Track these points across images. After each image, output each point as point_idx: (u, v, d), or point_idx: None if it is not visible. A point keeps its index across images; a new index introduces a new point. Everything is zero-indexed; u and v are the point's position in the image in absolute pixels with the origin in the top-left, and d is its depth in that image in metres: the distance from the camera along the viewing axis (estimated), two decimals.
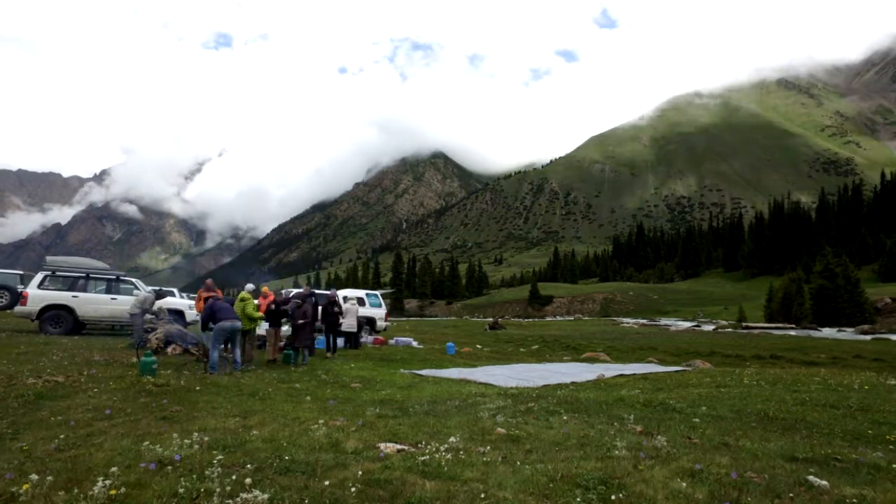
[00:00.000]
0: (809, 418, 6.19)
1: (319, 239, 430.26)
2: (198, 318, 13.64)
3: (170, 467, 3.66)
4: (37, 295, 14.40)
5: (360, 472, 3.62)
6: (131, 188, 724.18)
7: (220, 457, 3.87)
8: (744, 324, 47.27)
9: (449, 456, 4.05)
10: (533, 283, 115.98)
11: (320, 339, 14.48)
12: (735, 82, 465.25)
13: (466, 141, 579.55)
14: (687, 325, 51.98)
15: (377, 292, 22.55)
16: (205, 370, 9.05)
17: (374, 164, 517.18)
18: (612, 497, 3.23)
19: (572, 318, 77.84)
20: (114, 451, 4.09)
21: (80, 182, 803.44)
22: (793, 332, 37.40)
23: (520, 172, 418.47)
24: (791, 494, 3.37)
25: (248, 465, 3.74)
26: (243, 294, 10.53)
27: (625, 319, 66.02)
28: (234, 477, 3.40)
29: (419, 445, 4.45)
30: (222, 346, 9.74)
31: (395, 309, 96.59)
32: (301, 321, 11.50)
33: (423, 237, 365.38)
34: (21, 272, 22.74)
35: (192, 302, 16.33)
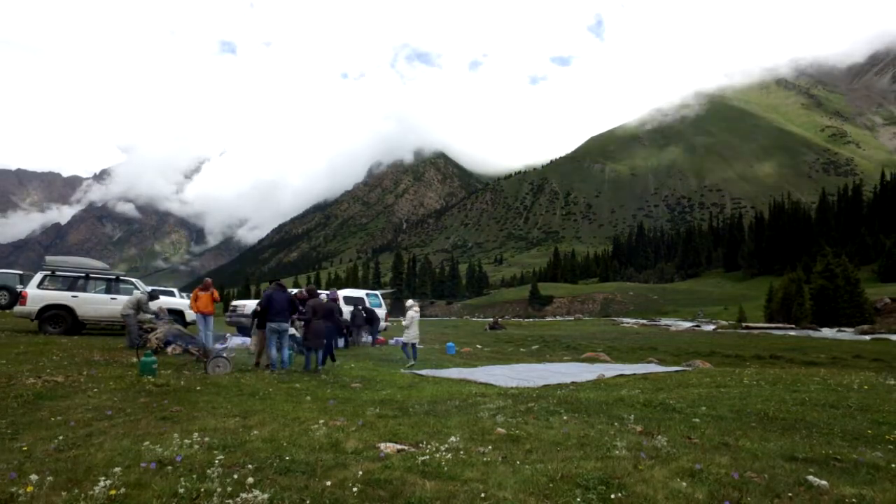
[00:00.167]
0: (809, 418, 6.19)
1: (319, 239, 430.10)
2: (197, 317, 13.66)
3: (170, 467, 3.66)
4: (36, 295, 14.39)
5: (360, 472, 3.62)
6: (131, 188, 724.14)
7: (221, 457, 3.87)
8: (744, 324, 47.29)
9: (449, 456, 4.06)
10: (533, 283, 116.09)
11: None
12: (735, 82, 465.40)
13: (466, 141, 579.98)
14: (687, 325, 52.00)
15: (377, 292, 22.58)
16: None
17: (374, 164, 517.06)
18: (612, 497, 3.23)
19: (572, 318, 77.86)
20: (114, 452, 4.09)
21: (79, 182, 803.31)
22: (792, 333, 37.42)
23: (520, 172, 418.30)
24: (791, 494, 3.38)
25: (249, 465, 3.74)
26: None
27: (625, 319, 66.04)
28: (234, 477, 3.40)
29: (419, 445, 4.45)
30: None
31: (395, 309, 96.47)
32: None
33: (424, 237, 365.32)
34: (20, 272, 22.75)
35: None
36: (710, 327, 46.43)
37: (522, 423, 5.46)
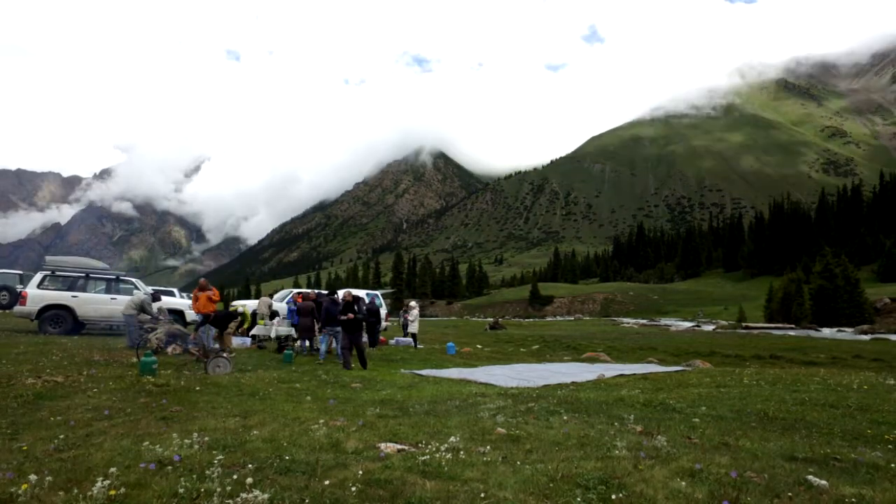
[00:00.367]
0: (809, 418, 6.20)
1: (320, 239, 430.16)
2: (197, 317, 13.68)
3: (170, 467, 3.66)
4: (36, 295, 14.40)
5: (360, 472, 3.62)
6: (131, 188, 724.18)
7: (221, 457, 3.86)
8: (743, 324, 47.31)
9: (449, 456, 4.05)
10: (533, 283, 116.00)
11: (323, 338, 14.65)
12: (735, 83, 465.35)
13: (466, 141, 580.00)
14: (687, 325, 52.01)
15: (378, 292, 22.58)
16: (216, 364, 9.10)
17: (374, 164, 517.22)
18: (612, 497, 3.23)
19: (573, 319, 77.89)
20: (113, 452, 4.08)
21: (79, 182, 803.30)
22: (792, 333, 37.44)
23: (520, 172, 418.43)
24: (790, 494, 3.38)
25: (249, 465, 3.73)
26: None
27: (625, 319, 66.05)
28: (234, 477, 3.39)
29: (419, 445, 4.45)
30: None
31: (395, 309, 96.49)
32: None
33: (424, 237, 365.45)
34: (20, 272, 22.76)
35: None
36: (710, 327, 46.44)
37: (522, 423, 5.46)
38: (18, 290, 17.70)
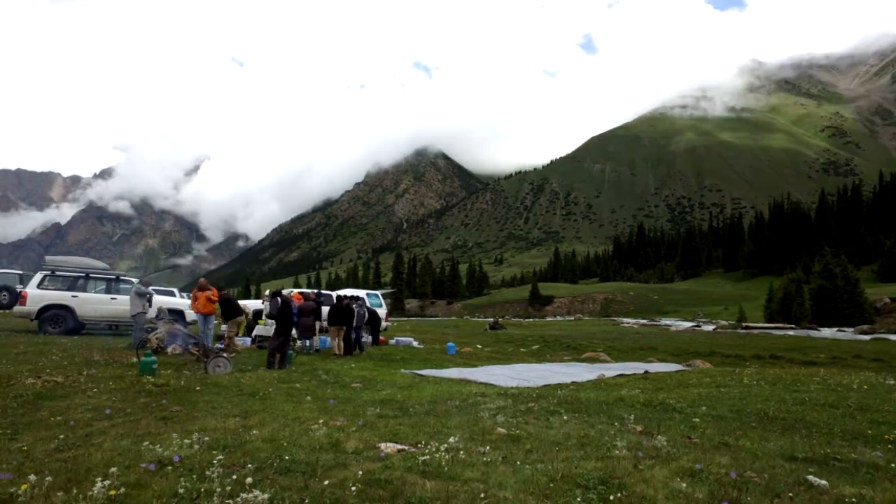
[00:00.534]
0: (809, 418, 6.20)
1: (320, 239, 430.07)
2: (198, 317, 13.69)
3: (170, 467, 3.66)
4: (36, 295, 14.39)
5: (360, 472, 3.62)
6: (131, 188, 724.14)
7: (220, 457, 3.86)
8: (743, 324, 47.28)
9: (449, 456, 4.05)
10: (533, 283, 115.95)
11: (323, 339, 14.79)
12: (736, 83, 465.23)
13: (466, 141, 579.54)
14: (687, 325, 51.99)
15: (378, 292, 22.58)
16: (204, 369, 9.09)
17: (374, 164, 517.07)
18: (613, 497, 3.23)
19: (573, 318, 77.88)
20: (113, 452, 4.08)
21: (79, 181, 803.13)
22: (792, 333, 37.42)
23: (520, 172, 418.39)
24: (790, 494, 3.38)
25: (249, 465, 3.73)
26: None
27: (625, 319, 66.05)
28: (234, 477, 3.39)
29: (419, 445, 4.45)
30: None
31: (395, 309, 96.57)
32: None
33: (424, 237, 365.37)
34: (20, 272, 22.75)
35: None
36: (710, 327, 46.42)
37: (523, 423, 5.46)
38: (18, 290, 17.69)
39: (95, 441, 4.44)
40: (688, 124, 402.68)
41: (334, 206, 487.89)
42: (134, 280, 16.06)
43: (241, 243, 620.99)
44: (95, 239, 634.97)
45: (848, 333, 36.96)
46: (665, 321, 60.95)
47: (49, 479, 3.30)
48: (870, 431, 5.56)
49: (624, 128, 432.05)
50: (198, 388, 7.30)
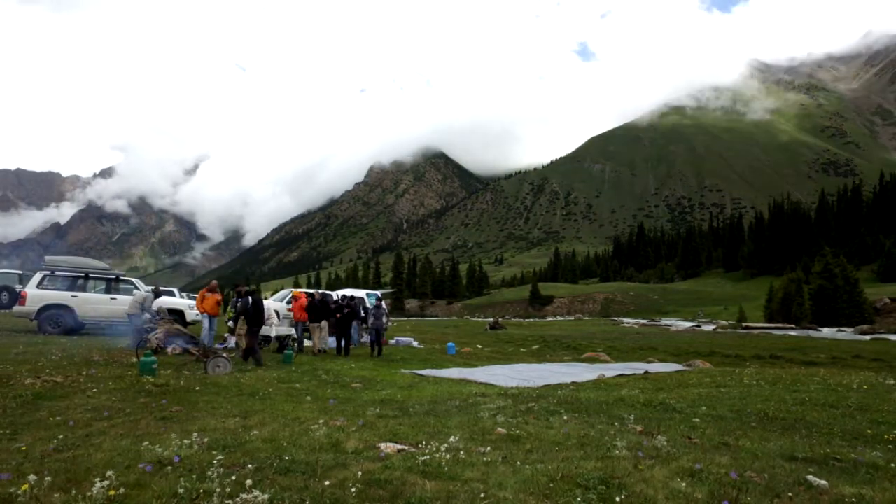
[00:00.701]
0: (809, 418, 6.19)
1: (320, 239, 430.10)
2: (198, 317, 13.69)
3: (169, 468, 3.65)
4: (35, 295, 14.38)
5: (360, 472, 3.62)
6: (131, 188, 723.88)
7: (220, 457, 3.86)
8: (744, 324, 47.29)
9: (449, 456, 4.05)
10: (533, 283, 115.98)
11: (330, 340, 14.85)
12: (735, 82, 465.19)
13: (466, 141, 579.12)
14: (687, 325, 51.99)
15: (378, 292, 22.58)
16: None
17: (374, 164, 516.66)
18: (612, 497, 3.23)
19: (573, 318, 77.87)
20: (113, 452, 4.08)
21: (79, 181, 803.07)
22: (792, 333, 37.42)
23: (520, 172, 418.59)
24: (790, 494, 3.37)
25: (248, 466, 3.73)
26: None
27: (625, 319, 66.04)
28: (234, 477, 3.39)
29: (419, 445, 4.45)
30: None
31: (395, 309, 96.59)
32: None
33: (424, 237, 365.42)
34: (20, 272, 22.75)
35: (193, 302, 16.33)
36: (710, 327, 46.42)
37: (523, 423, 5.46)
38: (18, 290, 17.68)
39: (95, 441, 4.44)
40: (688, 124, 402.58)
41: (334, 206, 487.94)
42: (134, 280, 16.07)
43: (241, 243, 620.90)
44: (95, 239, 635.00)
45: (848, 333, 36.97)
46: (665, 321, 60.95)
47: (48, 479, 3.30)
48: (870, 431, 5.56)
49: (624, 128, 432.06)
50: (197, 389, 7.30)
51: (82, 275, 15.10)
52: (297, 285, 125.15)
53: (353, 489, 3.32)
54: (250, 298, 11.27)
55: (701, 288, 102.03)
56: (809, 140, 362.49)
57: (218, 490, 3.18)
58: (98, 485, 3.14)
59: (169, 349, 11.11)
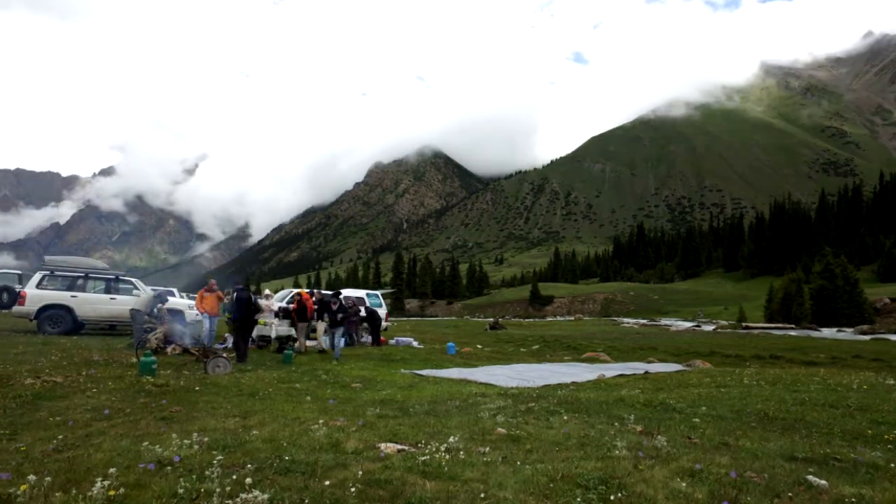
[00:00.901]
0: (809, 418, 6.19)
1: (320, 239, 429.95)
2: (198, 317, 13.68)
3: (169, 468, 3.66)
4: (35, 295, 14.37)
5: (360, 473, 3.62)
6: (131, 187, 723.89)
7: (220, 457, 3.86)
8: (744, 324, 47.25)
9: (449, 456, 4.05)
10: (533, 283, 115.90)
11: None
12: (735, 82, 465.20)
13: (466, 141, 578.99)
14: (687, 325, 51.96)
15: (378, 292, 22.58)
16: (201, 368, 9.07)
17: (374, 164, 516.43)
18: (613, 497, 3.23)
19: (573, 318, 77.82)
20: (113, 452, 4.08)
21: (78, 181, 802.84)
22: (792, 333, 37.40)
23: (520, 172, 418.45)
24: (790, 494, 3.37)
25: (248, 466, 3.73)
26: None
27: (625, 319, 66.02)
28: (233, 477, 3.39)
29: (419, 445, 4.45)
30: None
31: (395, 309, 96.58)
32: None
33: (424, 237, 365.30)
34: (19, 272, 22.75)
35: (193, 302, 16.32)
36: (710, 327, 46.40)
37: (523, 423, 5.46)
38: (17, 289, 17.68)
39: (95, 441, 4.44)
40: (688, 124, 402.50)
41: (334, 206, 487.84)
42: (134, 280, 16.05)
43: (240, 243, 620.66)
44: (95, 238, 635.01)
45: (848, 333, 36.95)
46: (665, 321, 60.92)
47: (48, 479, 3.30)
48: (870, 431, 5.56)
49: (624, 128, 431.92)
50: (197, 389, 7.30)
51: (82, 275, 15.09)
52: (297, 285, 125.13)
53: (353, 489, 3.32)
54: (234, 294, 11.40)
55: (701, 288, 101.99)
56: (809, 140, 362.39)
57: (218, 490, 3.18)
58: (98, 485, 3.14)
59: (169, 349, 11.11)
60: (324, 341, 14.67)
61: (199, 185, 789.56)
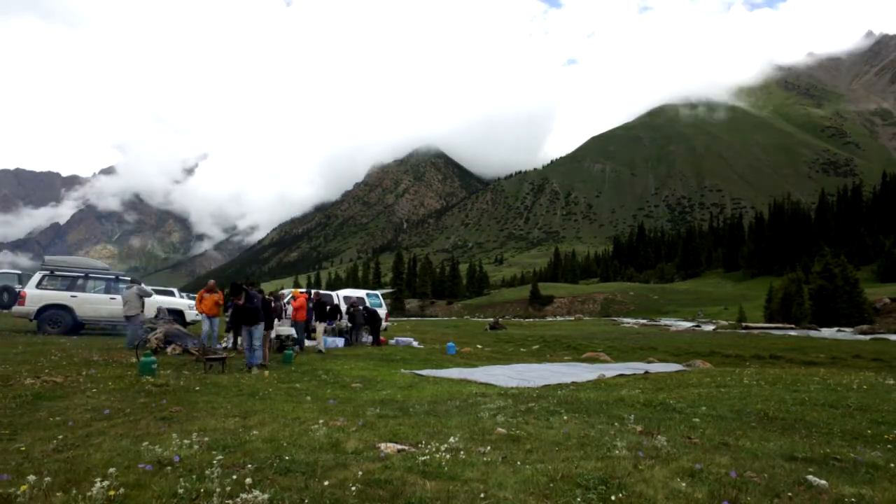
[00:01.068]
0: (808, 418, 6.19)
1: (320, 239, 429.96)
2: (198, 317, 13.70)
3: (169, 468, 3.66)
4: (35, 295, 14.37)
5: (360, 473, 3.62)
6: (130, 187, 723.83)
7: (220, 457, 3.86)
8: (743, 324, 47.26)
9: (449, 456, 4.05)
10: (534, 283, 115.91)
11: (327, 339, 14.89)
12: (735, 83, 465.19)
13: (466, 141, 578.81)
14: (687, 325, 51.97)
15: (378, 292, 22.58)
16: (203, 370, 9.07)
17: (374, 163, 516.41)
18: (613, 497, 3.23)
19: (573, 318, 77.83)
20: (113, 452, 4.08)
21: (78, 181, 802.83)
22: (792, 333, 37.41)
23: (520, 172, 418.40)
24: (790, 494, 3.37)
25: (248, 466, 3.73)
26: None
27: (625, 319, 66.03)
28: (233, 477, 3.39)
29: (419, 445, 4.45)
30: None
31: (395, 309, 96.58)
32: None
33: (424, 237, 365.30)
34: (19, 272, 22.76)
35: (192, 302, 16.33)
36: (710, 327, 46.41)
37: (523, 423, 5.46)
38: (17, 290, 17.68)
39: (94, 441, 4.44)
40: (688, 124, 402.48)
41: (334, 206, 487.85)
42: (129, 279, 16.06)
43: (241, 243, 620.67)
44: (95, 238, 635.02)
45: (847, 333, 36.96)
46: (665, 321, 60.94)
47: (48, 479, 3.30)
48: (869, 431, 5.56)
49: (624, 128, 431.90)
50: (197, 389, 7.30)
51: (82, 275, 15.10)
52: (297, 285, 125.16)
53: (353, 489, 3.32)
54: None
55: (701, 288, 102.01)
56: (809, 140, 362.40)
57: (218, 490, 3.18)
58: (98, 485, 3.14)
59: (169, 349, 11.12)
60: (323, 342, 14.67)
61: (199, 184, 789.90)
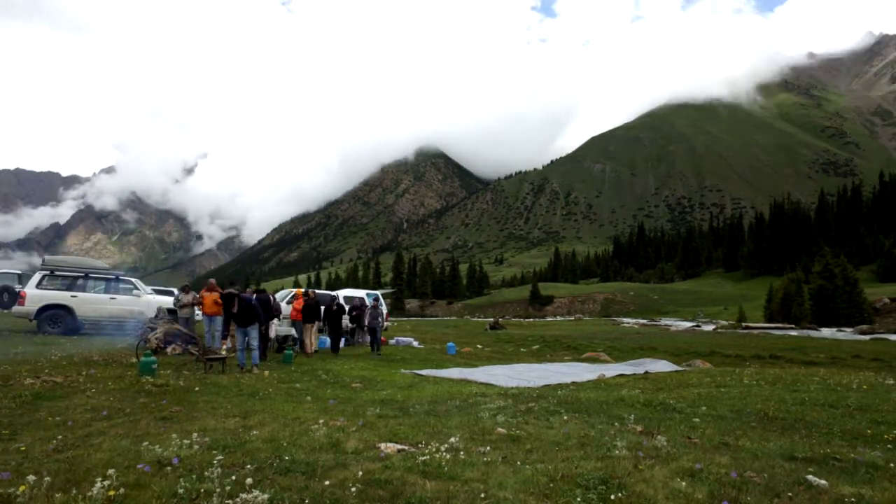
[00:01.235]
0: (808, 418, 6.19)
1: (320, 239, 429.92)
2: (199, 317, 13.69)
3: (169, 468, 3.66)
4: (35, 295, 14.36)
5: (360, 472, 3.62)
6: (130, 187, 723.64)
7: (220, 457, 3.86)
8: (743, 324, 47.26)
9: (449, 456, 4.05)
10: (534, 283, 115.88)
11: (323, 339, 14.80)
12: (735, 83, 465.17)
13: (466, 141, 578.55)
14: (687, 325, 51.98)
15: (378, 292, 22.57)
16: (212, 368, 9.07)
17: (374, 163, 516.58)
18: (613, 497, 3.23)
19: (573, 318, 77.84)
20: (113, 452, 4.08)
21: (78, 181, 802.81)
22: (792, 333, 37.41)
23: (520, 172, 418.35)
24: (790, 493, 3.37)
25: (248, 466, 3.73)
26: None
27: (625, 319, 66.04)
28: (233, 477, 3.39)
29: (419, 445, 4.45)
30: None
31: (395, 309, 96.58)
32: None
33: (424, 237, 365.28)
34: (19, 272, 22.76)
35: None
36: (710, 327, 46.42)
37: (523, 423, 5.46)
38: (17, 289, 17.67)
39: (94, 441, 4.44)
40: (688, 124, 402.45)
41: (334, 206, 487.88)
42: (134, 280, 16.05)
43: (241, 243, 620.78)
44: (95, 238, 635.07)
45: (847, 333, 36.96)
46: (665, 321, 60.95)
47: (48, 479, 3.29)
48: (869, 431, 5.56)
49: (624, 128, 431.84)
50: (197, 389, 7.30)
51: (82, 275, 15.09)
52: (297, 285, 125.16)
53: (353, 489, 3.32)
54: (255, 296, 11.47)
55: (701, 288, 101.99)
56: (809, 140, 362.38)
57: (218, 490, 3.17)
58: (98, 485, 3.14)
59: (169, 349, 11.12)
60: (321, 342, 14.65)
61: (199, 184, 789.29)
